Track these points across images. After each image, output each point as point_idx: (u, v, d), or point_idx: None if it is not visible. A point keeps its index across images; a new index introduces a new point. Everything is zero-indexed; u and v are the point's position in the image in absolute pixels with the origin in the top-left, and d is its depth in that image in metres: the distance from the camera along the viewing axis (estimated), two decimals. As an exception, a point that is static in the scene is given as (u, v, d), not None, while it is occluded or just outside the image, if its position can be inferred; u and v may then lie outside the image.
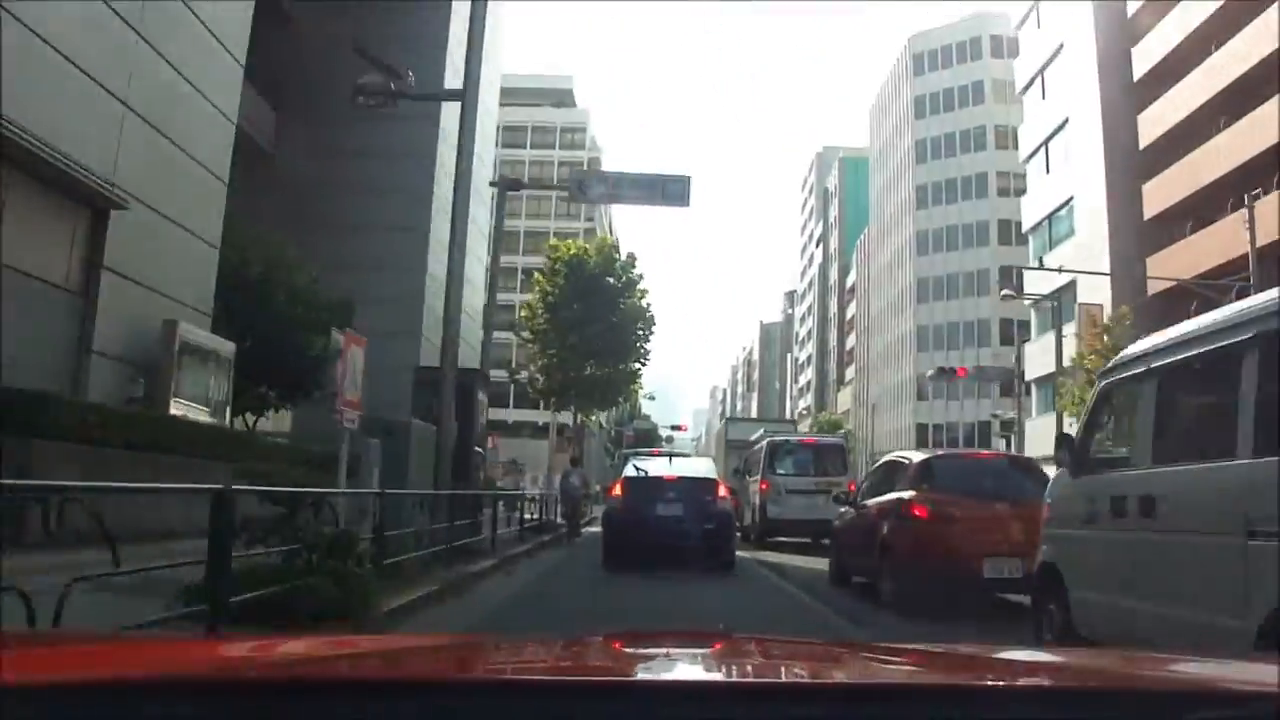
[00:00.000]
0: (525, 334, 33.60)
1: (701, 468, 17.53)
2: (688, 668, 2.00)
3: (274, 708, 1.31)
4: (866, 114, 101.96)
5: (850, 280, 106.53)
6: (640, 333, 32.56)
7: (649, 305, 32.99)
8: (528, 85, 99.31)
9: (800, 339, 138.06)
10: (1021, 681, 1.77)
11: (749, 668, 2.06)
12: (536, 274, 34.05)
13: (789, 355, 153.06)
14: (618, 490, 15.83)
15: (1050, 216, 51.92)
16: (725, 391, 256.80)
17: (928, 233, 78.07)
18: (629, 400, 35.57)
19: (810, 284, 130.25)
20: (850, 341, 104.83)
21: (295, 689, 1.38)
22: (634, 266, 32.95)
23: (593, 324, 31.47)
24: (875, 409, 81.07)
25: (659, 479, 15.84)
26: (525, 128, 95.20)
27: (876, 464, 13.79)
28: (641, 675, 1.82)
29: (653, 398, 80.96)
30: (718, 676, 1.91)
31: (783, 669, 2.02)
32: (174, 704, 1.29)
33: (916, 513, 10.45)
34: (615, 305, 32.12)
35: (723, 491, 15.67)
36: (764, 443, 23.26)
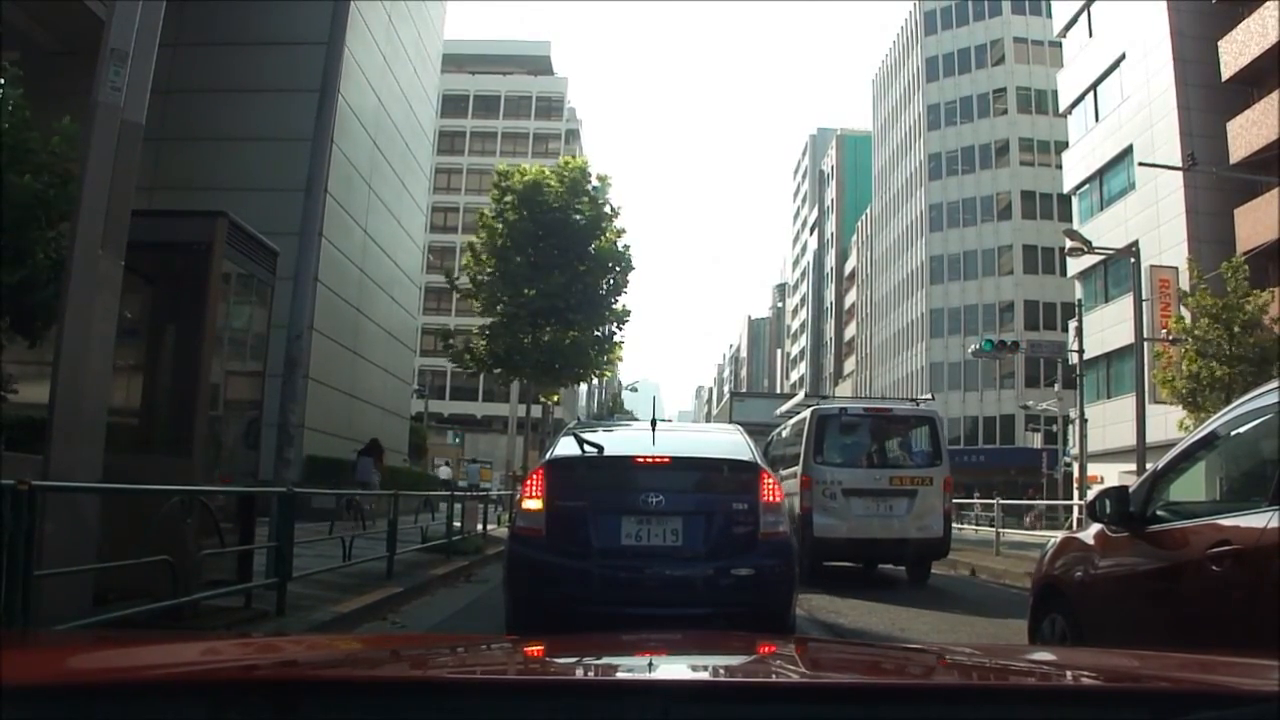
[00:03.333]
0: (463, 283, 25.64)
1: (722, 443, 7.58)
2: (683, 668, 1.99)
3: (274, 707, 1.31)
4: (868, 85, 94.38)
5: (849, 266, 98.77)
6: (615, 281, 24.61)
7: (627, 247, 25.35)
8: (500, 52, 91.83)
9: (792, 333, 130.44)
10: (1023, 681, 1.78)
11: (746, 668, 2.00)
12: (482, 211, 26.14)
13: (779, 351, 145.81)
14: (533, 495, 6.61)
15: (1101, 172, 44.28)
16: (711, 391, 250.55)
17: (941, 206, 70.32)
18: (601, 374, 27.23)
19: (803, 274, 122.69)
20: (850, 332, 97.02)
21: (296, 689, 1.39)
22: (607, 193, 25.08)
23: (554, 272, 23.67)
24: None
25: (629, 465, 6.84)
26: (498, 97, 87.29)
27: (1228, 417, 4.55)
28: (653, 675, 1.82)
29: (635, 389, 73.14)
30: (714, 677, 1.86)
31: (780, 669, 2.00)
32: (173, 704, 1.30)
33: None
34: (584, 248, 24.25)
35: (772, 491, 6.69)
36: (804, 415, 14.56)
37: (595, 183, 25.14)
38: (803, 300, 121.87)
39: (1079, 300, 37.65)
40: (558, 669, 1.89)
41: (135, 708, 1.28)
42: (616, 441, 7.66)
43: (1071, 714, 1.44)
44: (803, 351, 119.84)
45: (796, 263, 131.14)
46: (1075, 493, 45.09)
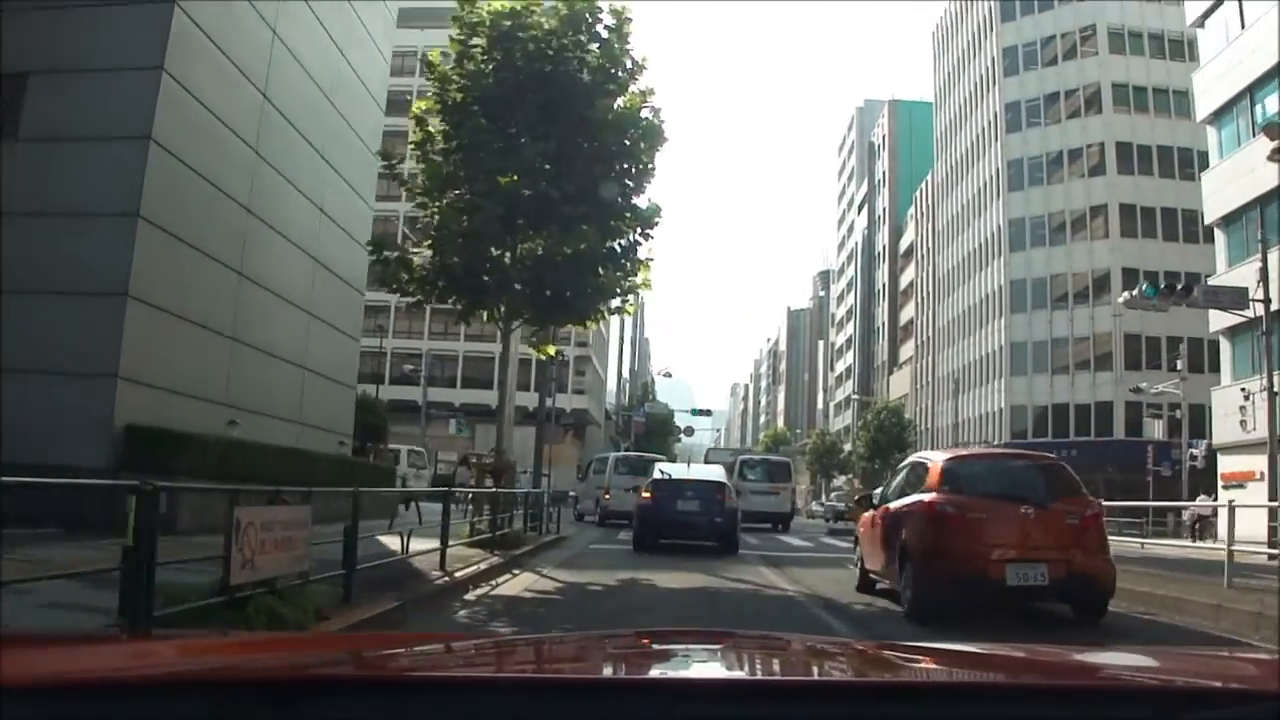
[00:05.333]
0: (411, 171, 16.68)
1: (714, 473, 20.75)
2: (703, 666, 1.98)
3: (274, 706, 1.30)
4: (913, 54, 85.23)
5: (905, 242, 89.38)
6: (637, 162, 15.91)
7: (658, 113, 16.75)
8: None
9: (838, 321, 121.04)
10: (1025, 680, 1.79)
11: (750, 666, 2.03)
12: (430, 56, 17.15)
13: (821, 342, 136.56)
14: (647, 489, 18.98)
15: (1251, 90, 35.16)
16: (748, 388, 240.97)
17: (1021, 162, 60.99)
18: (622, 307, 18.18)
19: (850, 256, 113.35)
20: (906, 314, 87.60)
21: (297, 687, 1.38)
22: (627, 38, 16.37)
23: (540, 142, 15.06)
24: (953, 390, 64.00)
25: (680, 481, 19.21)
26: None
27: (900, 466, 12.78)
28: (657, 673, 1.86)
29: (669, 375, 64.48)
30: (718, 675, 1.87)
31: (784, 668, 2.05)
32: (174, 703, 1.29)
33: (936, 515, 9.54)
34: (587, 109, 15.60)
35: (730, 493, 19.03)
36: (737, 459, 34.93)
37: (608, 20, 16.35)
38: (849, 285, 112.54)
39: (1261, 239, 28.30)
40: (561, 667, 1.92)
41: (136, 707, 1.27)
42: (674, 471, 20.94)
43: (1074, 713, 1.44)
44: (849, 340, 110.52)
45: (842, 245, 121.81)
46: (1217, 489, 36.02)
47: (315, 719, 1.30)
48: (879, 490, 12.52)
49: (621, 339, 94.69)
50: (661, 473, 19.90)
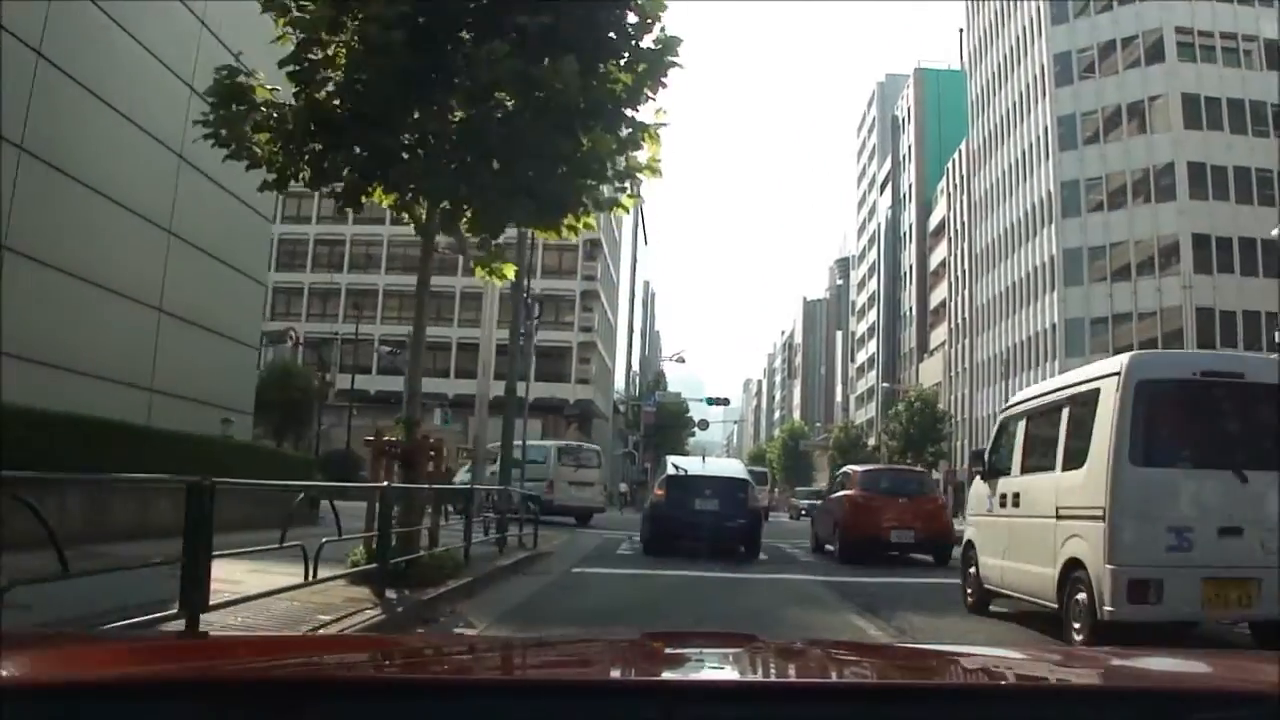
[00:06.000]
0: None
1: (734, 469, 20.51)
2: (686, 668, 1.98)
3: (278, 709, 1.30)
4: (949, 8, 78.98)
5: (935, 218, 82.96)
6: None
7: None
8: None
9: (859, 309, 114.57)
10: (1024, 681, 1.79)
11: (749, 668, 2.00)
12: None
13: (839, 333, 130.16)
14: (661, 487, 17.52)
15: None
16: (761, 383, 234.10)
17: (1074, 118, 54.71)
18: (621, 201, 12.15)
19: (873, 239, 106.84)
20: (938, 296, 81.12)
21: (301, 689, 1.38)
22: None
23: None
24: (1000, 374, 57.78)
25: (696, 477, 17.47)
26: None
27: (837, 473, 21.97)
28: (657, 675, 1.82)
29: (682, 359, 58.57)
30: (717, 677, 1.85)
31: (783, 669, 2.03)
32: (173, 704, 1.29)
33: (852, 502, 17.18)
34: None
35: (752, 490, 18.04)
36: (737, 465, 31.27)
37: None
38: (871, 269, 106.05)
39: None
40: (560, 669, 1.88)
41: (137, 708, 1.27)
42: (689, 465, 18.59)
43: (1073, 714, 1.45)
44: (872, 328, 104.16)
45: (863, 229, 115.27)
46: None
47: None
48: (825, 489, 21.75)
49: (630, 328, 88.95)
50: (676, 468, 18.09)
